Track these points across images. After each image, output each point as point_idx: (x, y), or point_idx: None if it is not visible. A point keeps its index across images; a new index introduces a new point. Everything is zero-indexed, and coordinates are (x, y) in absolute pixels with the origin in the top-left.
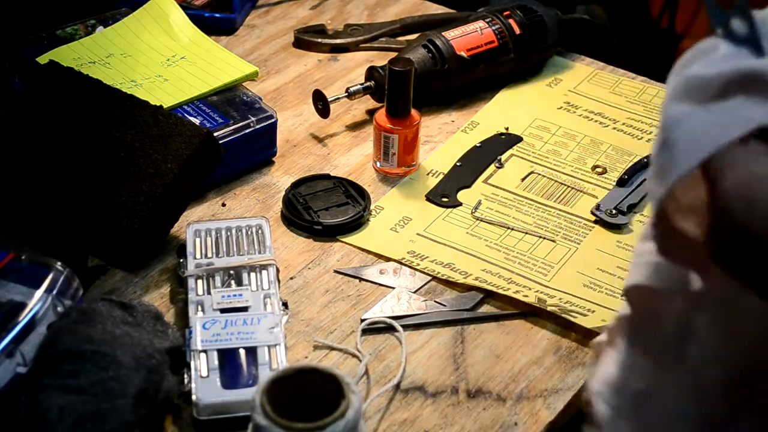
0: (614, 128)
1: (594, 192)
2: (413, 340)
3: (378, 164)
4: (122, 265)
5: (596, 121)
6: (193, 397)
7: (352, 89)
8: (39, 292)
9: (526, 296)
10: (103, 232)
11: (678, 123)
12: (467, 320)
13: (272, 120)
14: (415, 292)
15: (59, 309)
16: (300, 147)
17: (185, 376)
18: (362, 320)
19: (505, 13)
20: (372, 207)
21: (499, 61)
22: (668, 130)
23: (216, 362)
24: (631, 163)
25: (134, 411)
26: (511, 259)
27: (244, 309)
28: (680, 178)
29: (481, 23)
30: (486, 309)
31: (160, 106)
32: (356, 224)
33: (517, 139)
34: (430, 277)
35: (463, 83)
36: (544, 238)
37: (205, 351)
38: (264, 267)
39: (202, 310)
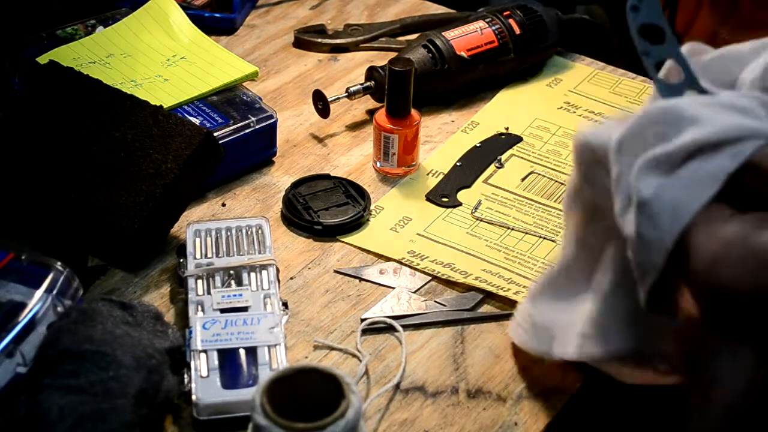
0: None
1: None
2: (413, 340)
3: (378, 164)
4: (122, 265)
5: (596, 121)
6: (193, 397)
7: (352, 89)
8: (39, 292)
9: (526, 297)
10: (103, 232)
11: (656, 197)
12: (467, 320)
13: (272, 120)
14: (415, 292)
15: (59, 309)
16: (300, 147)
17: (185, 376)
18: (362, 320)
19: (505, 13)
20: (372, 207)
21: (499, 61)
22: (645, 205)
23: (216, 362)
24: None
25: (134, 411)
26: (511, 259)
27: (244, 309)
28: (671, 247)
29: (481, 23)
30: (486, 309)
31: (160, 106)
32: (356, 224)
33: (517, 139)
34: (430, 277)
35: (463, 83)
36: (544, 238)
37: (205, 351)
38: (264, 267)
39: (202, 310)
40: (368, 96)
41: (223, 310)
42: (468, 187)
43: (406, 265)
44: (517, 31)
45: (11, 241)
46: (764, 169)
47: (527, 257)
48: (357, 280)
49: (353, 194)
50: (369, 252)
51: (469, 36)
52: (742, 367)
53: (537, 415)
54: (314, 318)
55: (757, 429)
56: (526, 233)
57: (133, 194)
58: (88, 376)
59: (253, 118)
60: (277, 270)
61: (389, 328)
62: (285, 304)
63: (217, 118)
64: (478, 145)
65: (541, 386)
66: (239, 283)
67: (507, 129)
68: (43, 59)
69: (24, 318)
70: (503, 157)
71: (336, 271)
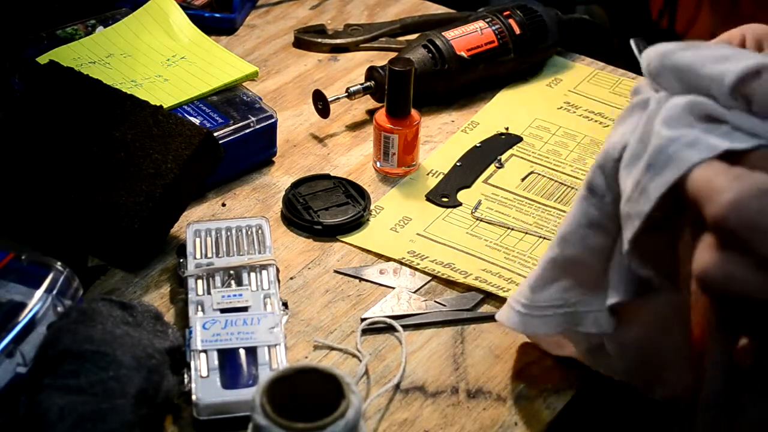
0: None
1: None
2: (413, 340)
3: (378, 164)
4: (122, 265)
5: (596, 121)
6: (193, 397)
7: (352, 89)
8: (39, 292)
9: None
10: (103, 232)
11: (669, 142)
12: (467, 320)
13: (272, 120)
14: (415, 292)
15: (59, 309)
16: (300, 147)
17: (185, 376)
18: (362, 320)
19: (505, 13)
20: (372, 207)
21: (499, 61)
22: (659, 149)
23: (216, 362)
24: None
25: (134, 411)
26: (511, 259)
27: (244, 309)
28: (664, 191)
29: (481, 23)
30: (486, 309)
31: (160, 106)
32: (356, 224)
33: (517, 139)
34: (430, 277)
35: (463, 83)
36: (544, 238)
37: (205, 351)
38: (264, 267)
39: (202, 310)
40: (368, 96)
41: (223, 310)
42: (468, 187)
43: (406, 265)
44: (517, 31)
45: (11, 241)
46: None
47: (527, 257)
48: (357, 280)
49: (353, 194)
50: (369, 252)
51: (469, 36)
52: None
53: (537, 415)
54: (314, 318)
55: None
56: (526, 233)
57: (133, 194)
58: (88, 376)
59: (253, 118)
60: (277, 270)
61: (389, 328)
62: (285, 304)
63: (217, 118)
64: (478, 145)
65: (541, 386)
66: (239, 283)
67: (507, 129)
68: (43, 59)
69: (24, 318)
70: (503, 157)
71: (336, 271)
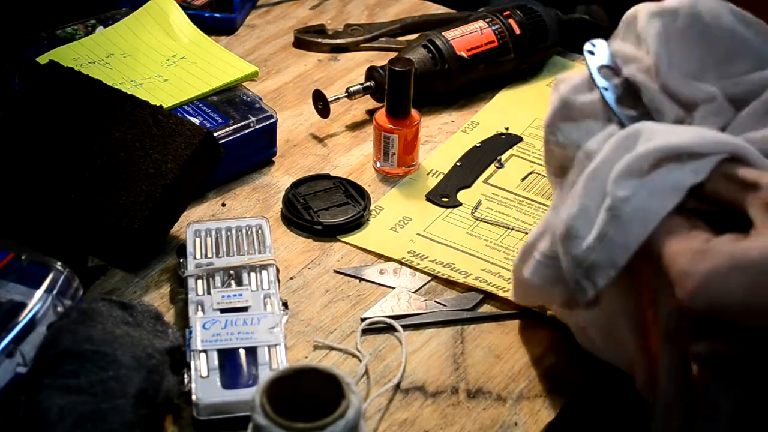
0: None
1: None
2: (413, 340)
3: (378, 164)
4: (122, 265)
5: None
6: (193, 397)
7: (352, 89)
8: (39, 292)
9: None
10: (103, 232)
11: (626, 200)
12: (467, 320)
13: (272, 120)
14: (415, 292)
15: (59, 309)
16: (300, 147)
17: (185, 376)
18: (362, 320)
19: (505, 13)
20: (372, 207)
21: (499, 61)
22: (618, 208)
23: (216, 362)
24: None
25: (134, 411)
26: (511, 259)
27: (244, 309)
28: (635, 249)
29: (481, 23)
30: (486, 309)
31: (160, 106)
32: (356, 224)
33: (517, 139)
34: (430, 277)
35: (463, 83)
36: None
37: (205, 351)
38: (264, 267)
39: (202, 310)
40: (368, 96)
41: (223, 310)
42: (468, 187)
43: (406, 265)
44: (517, 31)
45: (11, 241)
46: (721, 186)
47: None
48: (357, 280)
49: (353, 194)
50: (369, 252)
51: (469, 36)
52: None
53: (537, 415)
54: (314, 318)
55: None
56: (526, 233)
57: (133, 194)
58: (88, 376)
59: (253, 118)
60: (277, 270)
61: (389, 328)
62: (285, 304)
63: (217, 118)
64: (478, 145)
65: (541, 386)
66: (239, 283)
67: (507, 129)
68: (43, 59)
69: (24, 318)
70: (503, 157)
71: (336, 271)
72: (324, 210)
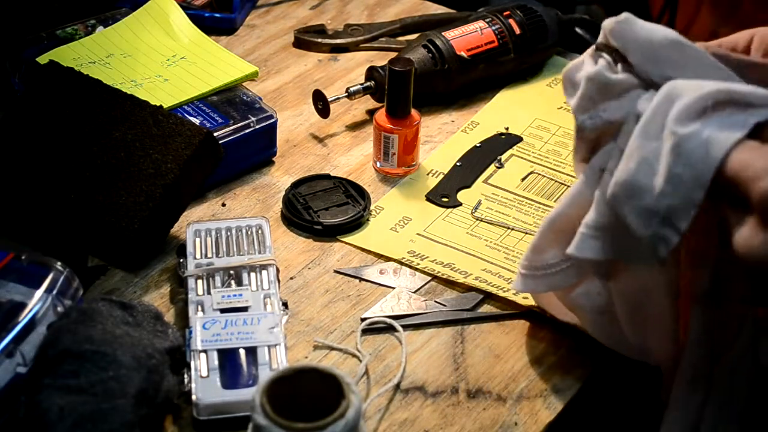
0: None
1: None
2: (413, 340)
3: (378, 164)
4: (122, 265)
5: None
6: (193, 397)
7: (352, 89)
8: (39, 292)
9: (526, 297)
10: (103, 232)
11: (692, 136)
12: (467, 320)
13: (272, 120)
14: (415, 292)
15: (59, 309)
16: (300, 147)
17: (185, 376)
18: (362, 320)
19: (505, 13)
20: (372, 207)
21: (499, 61)
22: (684, 144)
23: (216, 362)
24: None
25: (134, 411)
26: (512, 259)
27: (244, 309)
28: (709, 182)
29: (481, 23)
30: (486, 309)
31: (160, 106)
32: (356, 224)
33: (517, 139)
34: (430, 277)
35: (463, 83)
36: None
37: (205, 351)
38: (264, 267)
39: (202, 310)
40: (368, 96)
41: (223, 310)
42: (468, 187)
43: (406, 265)
44: (517, 31)
45: (11, 241)
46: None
47: None
48: (357, 280)
49: (353, 194)
50: (369, 252)
51: (469, 36)
52: None
53: (537, 415)
54: (314, 318)
55: None
56: (526, 233)
57: (133, 194)
58: (88, 376)
59: (253, 118)
60: (277, 270)
61: (389, 328)
62: (285, 304)
63: (217, 118)
64: (478, 145)
65: (541, 386)
66: (239, 283)
67: (507, 129)
68: (43, 59)
69: (24, 318)
70: (503, 157)
71: (336, 271)
72: (324, 210)
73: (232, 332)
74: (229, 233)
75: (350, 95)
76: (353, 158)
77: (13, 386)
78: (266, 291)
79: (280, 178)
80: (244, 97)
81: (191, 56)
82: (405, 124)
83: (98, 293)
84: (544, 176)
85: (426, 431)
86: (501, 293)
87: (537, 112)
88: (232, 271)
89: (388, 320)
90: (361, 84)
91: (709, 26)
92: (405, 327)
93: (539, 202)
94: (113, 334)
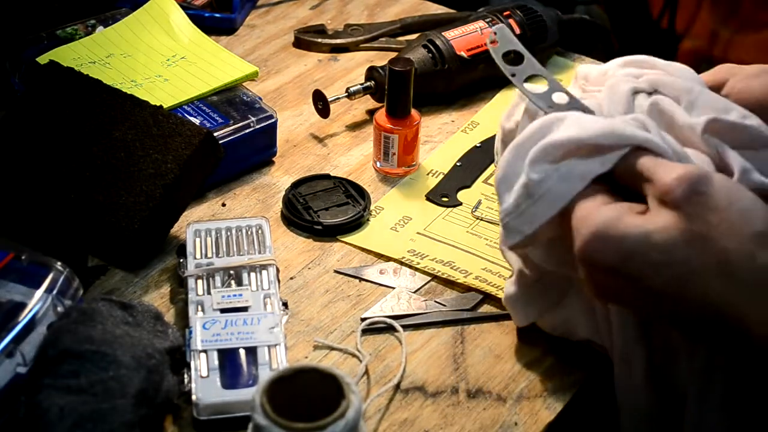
0: None
1: None
2: (413, 340)
3: (378, 164)
4: (122, 265)
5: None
6: (193, 397)
7: (352, 89)
8: (39, 292)
9: None
10: (103, 232)
11: (540, 181)
12: (467, 320)
13: (272, 120)
14: (415, 292)
15: (59, 309)
16: (300, 147)
17: (185, 376)
18: (362, 320)
19: (505, 13)
20: (372, 207)
21: None
22: (531, 188)
23: (216, 362)
24: None
25: (134, 411)
26: None
27: (244, 309)
28: (542, 225)
29: (481, 23)
30: (486, 309)
31: (160, 106)
32: (356, 224)
33: None
34: (430, 277)
35: (463, 83)
36: None
37: (205, 351)
38: (264, 267)
39: (202, 310)
40: (368, 96)
41: (223, 310)
42: (468, 187)
43: (406, 264)
44: (517, 31)
45: (11, 241)
46: (625, 176)
47: None
48: (357, 280)
49: (353, 194)
50: (369, 252)
51: (469, 36)
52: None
53: (537, 415)
54: (314, 318)
55: None
56: None
57: (133, 194)
58: (88, 376)
59: (253, 118)
60: (277, 270)
61: (389, 328)
62: (285, 304)
63: (217, 118)
64: (478, 145)
65: (541, 386)
66: (239, 283)
67: None
68: (43, 59)
69: (24, 318)
70: None
71: (336, 271)
72: (324, 210)
73: (232, 332)
74: (229, 233)
75: (350, 95)
76: (353, 158)
77: (13, 386)
78: (266, 291)
79: (280, 178)
80: (244, 97)
81: (191, 56)
82: (405, 124)
83: (98, 293)
84: None
85: (426, 431)
86: (501, 293)
87: None
88: (232, 271)
89: (388, 320)
90: (361, 84)
91: (708, 26)
92: (405, 327)
93: None
94: (113, 334)
